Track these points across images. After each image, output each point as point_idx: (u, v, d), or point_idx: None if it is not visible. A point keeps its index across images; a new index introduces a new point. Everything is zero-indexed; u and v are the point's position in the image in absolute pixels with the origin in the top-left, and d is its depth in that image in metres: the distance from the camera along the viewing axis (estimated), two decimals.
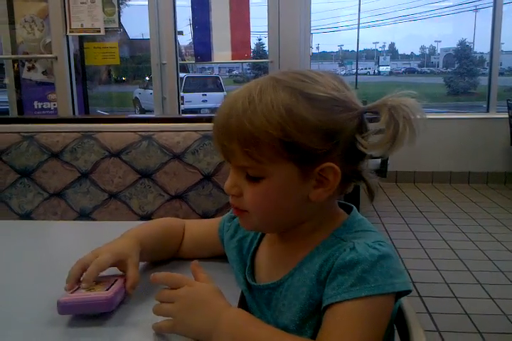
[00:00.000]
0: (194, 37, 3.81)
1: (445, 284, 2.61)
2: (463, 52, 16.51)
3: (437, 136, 4.62)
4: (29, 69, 3.90)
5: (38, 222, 1.48)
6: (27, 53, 3.84)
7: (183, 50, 6.38)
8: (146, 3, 3.76)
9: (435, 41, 23.43)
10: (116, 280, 0.77)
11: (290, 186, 0.68)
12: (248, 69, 13.85)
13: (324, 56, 21.89)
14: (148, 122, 1.72)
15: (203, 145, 1.50)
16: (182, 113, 4.27)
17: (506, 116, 4.67)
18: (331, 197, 0.71)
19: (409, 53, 25.02)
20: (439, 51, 22.43)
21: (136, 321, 0.72)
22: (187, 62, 6.32)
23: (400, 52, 25.07)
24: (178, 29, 3.81)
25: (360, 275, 0.63)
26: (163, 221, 0.98)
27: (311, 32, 4.66)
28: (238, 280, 0.83)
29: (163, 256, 0.93)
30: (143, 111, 10.35)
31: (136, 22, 5.88)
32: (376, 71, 22.49)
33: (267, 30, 3.77)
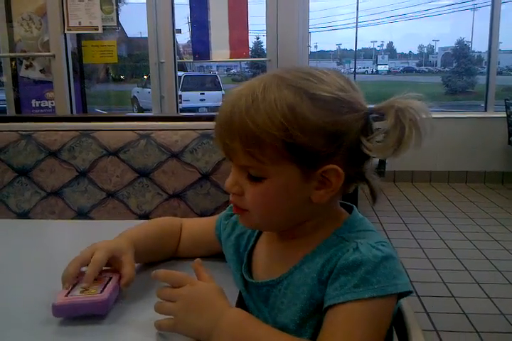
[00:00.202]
0: (192, 35, 3.81)
1: (443, 284, 2.61)
2: (461, 51, 16.51)
3: (435, 135, 4.61)
4: (27, 67, 3.89)
5: (36, 221, 1.47)
6: (25, 51, 3.83)
7: (181, 49, 6.37)
8: (145, 1, 3.75)
9: (433, 40, 23.45)
10: (110, 279, 0.76)
11: (292, 187, 0.67)
12: (246, 67, 13.84)
13: (322, 55, 21.87)
14: (147, 121, 1.71)
15: (202, 144, 1.50)
16: (180, 112, 4.27)
17: (504, 115, 4.67)
18: (333, 198, 0.70)
19: (407, 52, 25.01)
20: (437, 50, 22.43)
21: (131, 319, 0.72)
22: (185, 60, 6.30)
23: (398, 51, 25.05)
24: (177, 27, 3.80)
25: (363, 276, 0.63)
26: (161, 220, 0.98)
27: (309, 30, 4.66)
28: (235, 278, 0.82)
29: (160, 256, 0.93)
30: (141, 109, 10.34)
31: (135, 20, 5.86)
32: (374, 70, 22.48)
33: (265, 28, 3.77)
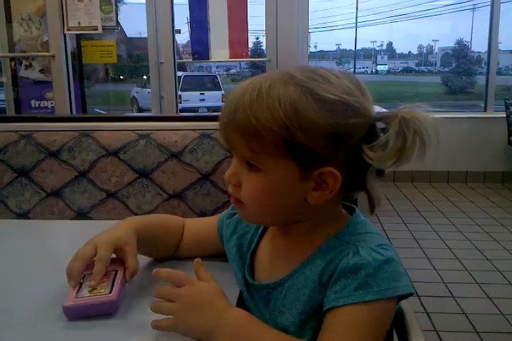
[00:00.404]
0: (192, 35, 3.81)
1: (442, 284, 2.61)
2: (460, 52, 16.51)
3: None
4: (26, 67, 3.89)
5: (36, 221, 1.47)
6: (24, 51, 3.82)
7: (181, 49, 6.36)
8: (144, 1, 3.75)
9: (433, 40, 23.41)
10: (116, 274, 0.77)
11: (287, 184, 0.67)
12: (246, 68, 13.84)
13: (322, 55, 21.86)
14: (146, 121, 1.71)
15: (201, 144, 1.50)
16: (180, 112, 4.27)
17: (504, 115, 4.67)
18: (332, 201, 0.70)
19: (406, 52, 25.01)
20: (436, 50, 22.43)
21: (132, 318, 0.72)
22: (185, 60, 6.30)
23: (398, 51, 25.05)
24: (176, 27, 3.79)
25: (363, 279, 0.63)
26: (164, 215, 0.99)
27: (309, 31, 4.66)
28: (237, 278, 0.82)
29: (162, 250, 0.93)
30: (140, 110, 10.35)
31: (134, 20, 5.87)
32: (374, 70, 22.47)
33: (264, 28, 3.77)
